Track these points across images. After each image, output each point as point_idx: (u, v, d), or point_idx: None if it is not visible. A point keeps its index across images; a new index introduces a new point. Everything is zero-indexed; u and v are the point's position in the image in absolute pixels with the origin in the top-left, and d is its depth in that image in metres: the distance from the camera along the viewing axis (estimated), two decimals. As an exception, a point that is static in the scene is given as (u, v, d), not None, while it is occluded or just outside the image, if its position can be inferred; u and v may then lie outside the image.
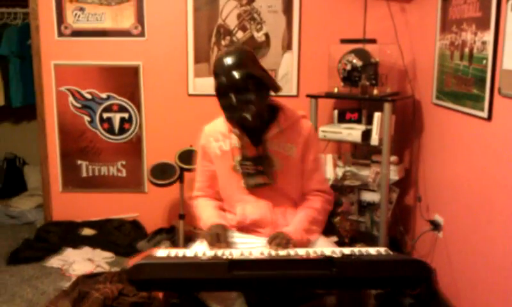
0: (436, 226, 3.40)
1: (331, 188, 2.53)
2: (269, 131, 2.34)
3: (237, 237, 2.36)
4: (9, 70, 5.28)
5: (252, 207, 2.36)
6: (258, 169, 2.32)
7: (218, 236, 2.18)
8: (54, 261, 3.91)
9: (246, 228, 2.38)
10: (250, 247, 2.27)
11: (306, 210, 2.37)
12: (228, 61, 2.21)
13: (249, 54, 2.31)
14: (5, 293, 3.48)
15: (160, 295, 3.12)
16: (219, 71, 2.22)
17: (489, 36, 2.67)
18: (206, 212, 2.42)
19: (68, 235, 4.23)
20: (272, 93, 2.37)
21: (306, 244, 2.22)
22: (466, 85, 2.94)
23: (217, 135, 2.42)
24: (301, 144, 2.37)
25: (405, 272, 1.73)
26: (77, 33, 4.22)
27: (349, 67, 3.61)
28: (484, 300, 2.78)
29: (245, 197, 2.37)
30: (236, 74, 2.18)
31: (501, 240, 2.60)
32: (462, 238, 3.06)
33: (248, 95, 2.21)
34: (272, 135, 2.34)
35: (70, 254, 3.96)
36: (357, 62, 3.58)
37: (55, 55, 4.26)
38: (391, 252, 1.84)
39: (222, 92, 2.24)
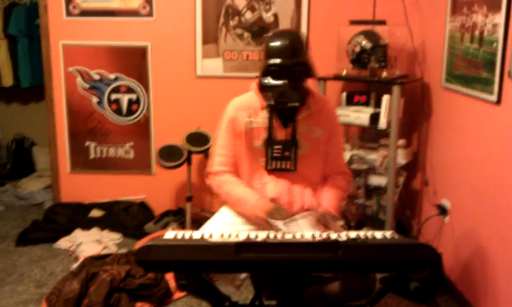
0: (443, 210, 3.39)
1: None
2: (299, 114, 2.34)
3: (238, 223, 2.39)
4: (18, 50, 5.28)
5: (271, 186, 2.36)
6: (285, 154, 2.32)
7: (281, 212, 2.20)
8: (62, 243, 3.94)
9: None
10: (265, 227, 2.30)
11: (336, 189, 2.41)
12: (287, 44, 2.20)
13: (303, 39, 2.31)
14: (14, 273, 3.52)
15: (169, 276, 3.14)
16: (274, 52, 2.21)
17: (500, 18, 2.63)
18: (244, 192, 2.35)
19: (76, 216, 4.26)
20: None
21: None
22: (476, 68, 2.91)
23: (248, 110, 2.38)
24: (328, 127, 2.40)
25: (411, 255, 1.72)
26: (86, 13, 4.21)
27: (358, 49, 3.58)
28: (490, 285, 2.78)
29: (265, 177, 2.38)
30: (293, 60, 2.19)
31: (509, 223, 2.59)
32: (469, 222, 3.05)
33: (298, 82, 2.23)
34: (302, 118, 2.34)
35: (78, 235, 3.99)
36: (366, 44, 3.55)
37: (63, 35, 4.25)
38: (397, 236, 1.84)
39: (272, 74, 2.23)
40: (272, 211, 2.21)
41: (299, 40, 2.27)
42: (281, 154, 2.33)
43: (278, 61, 2.20)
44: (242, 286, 2.39)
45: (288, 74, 2.21)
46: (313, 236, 1.84)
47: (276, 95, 2.23)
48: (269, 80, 2.24)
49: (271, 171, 2.36)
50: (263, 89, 2.30)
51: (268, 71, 2.25)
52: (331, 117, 2.44)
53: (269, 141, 2.33)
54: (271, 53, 2.24)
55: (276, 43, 2.23)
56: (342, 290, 2.14)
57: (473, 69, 2.96)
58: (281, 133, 2.34)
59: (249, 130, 2.37)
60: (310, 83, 2.47)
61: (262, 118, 2.35)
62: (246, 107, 2.39)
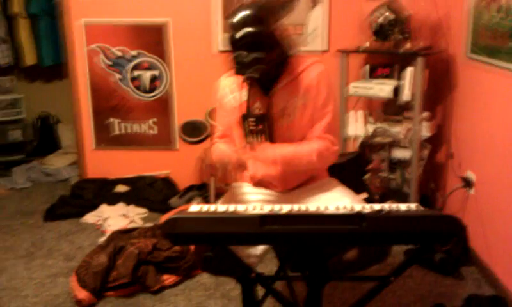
0: (467, 182, 3.36)
1: (339, 145, 2.38)
2: (277, 84, 2.29)
3: (251, 192, 2.42)
4: (40, 29, 5.32)
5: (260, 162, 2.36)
6: (259, 128, 2.31)
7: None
8: (89, 217, 4.01)
9: (259, 181, 2.42)
10: (264, 199, 2.34)
11: (298, 145, 2.30)
12: (242, 15, 2.18)
13: (266, 8, 2.24)
14: (43, 247, 3.60)
15: (192, 248, 3.19)
16: (232, 25, 2.20)
17: (528, -14, 2.57)
18: (222, 151, 2.37)
19: (102, 191, 4.33)
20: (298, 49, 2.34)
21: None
22: (502, 38, 2.86)
23: (233, 87, 2.39)
24: (304, 93, 2.28)
25: (436, 227, 1.72)
26: (107, -10, 4.22)
27: (381, 20, 3.53)
28: (516, 256, 2.77)
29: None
30: (248, 30, 2.16)
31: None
32: (494, 195, 3.02)
33: (257, 53, 2.18)
34: (279, 88, 2.29)
35: (104, 210, 4.06)
36: (389, 15, 3.50)
37: (84, 12, 4.27)
38: (421, 208, 1.84)
39: (233, 46, 2.22)
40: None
41: (258, 10, 2.21)
42: (255, 127, 2.31)
43: (234, 33, 2.19)
44: (261, 262, 2.40)
45: (245, 46, 2.17)
46: (338, 208, 1.85)
47: (236, 66, 2.23)
48: (232, 53, 2.24)
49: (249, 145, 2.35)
50: (232, 64, 2.28)
51: (230, 45, 2.24)
52: (308, 82, 2.29)
53: (246, 115, 2.32)
54: (230, 27, 2.24)
55: (232, 17, 2.22)
56: (359, 256, 2.15)
57: (499, 39, 2.91)
58: (263, 104, 2.31)
59: (235, 106, 2.37)
60: (308, 55, 2.42)
61: (243, 93, 2.35)
62: (231, 83, 2.40)
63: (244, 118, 2.32)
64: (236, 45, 2.20)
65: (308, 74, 2.30)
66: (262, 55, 2.18)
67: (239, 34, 2.17)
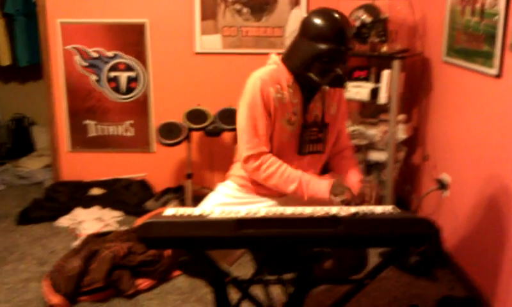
0: (443, 185, 3.39)
1: None
2: (319, 92, 2.29)
3: (241, 197, 2.37)
4: (15, 29, 5.23)
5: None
6: (319, 136, 2.30)
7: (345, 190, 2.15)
8: (64, 221, 3.95)
9: (256, 190, 2.36)
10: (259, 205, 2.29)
11: (356, 168, 2.42)
12: (348, 31, 2.14)
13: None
14: (16, 252, 3.53)
15: (168, 251, 3.16)
16: (333, 38, 2.10)
17: (501, -9, 2.61)
18: (292, 170, 2.22)
19: (76, 194, 4.27)
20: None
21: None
22: (477, 42, 2.89)
23: (276, 85, 2.23)
24: (341, 101, 2.38)
25: (411, 230, 1.73)
26: (83, -10, 4.17)
27: (358, 23, 3.55)
28: (489, 258, 2.80)
29: (289, 157, 2.30)
30: (351, 46, 2.14)
31: (508, 198, 2.59)
32: (469, 197, 3.05)
33: (347, 67, 2.21)
34: (321, 95, 2.30)
35: (79, 213, 4.00)
36: (366, 18, 3.52)
37: (61, 13, 4.21)
38: (397, 211, 1.84)
39: (325, 58, 2.13)
40: (335, 186, 2.15)
41: (348, 22, 2.21)
42: (316, 137, 2.30)
43: (335, 46, 2.11)
44: (238, 262, 2.38)
45: (343, 60, 2.15)
46: (314, 212, 1.84)
47: (322, 78, 2.16)
48: (317, 64, 2.15)
49: (302, 154, 2.31)
50: (309, 75, 2.18)
51: (318, 57, 2.14)
52: (341, 92, 2.40)
53: (304, 123, 2.27)
54: (323, 38, 2.12)
55: (335, 29, 2.11)
56: (335, 266, 2.15)
57: (474, 42, 2.94)
58: (306, 112, 2.28)
59: (279, 106, 2.22)
60: None
61: (288, 94, 2.24)
62: (273, 81, 2.23)
63: (304, 126, 2.27)
64: (334, 58, 2.14)
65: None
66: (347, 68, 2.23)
67: (342, 48, 2.11)
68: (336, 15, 2.15)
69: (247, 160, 2.22)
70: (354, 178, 2.33)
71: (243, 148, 2.23)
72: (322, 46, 2.11)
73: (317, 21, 2.14)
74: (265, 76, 2.22)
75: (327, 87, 2.22)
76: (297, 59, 2.21)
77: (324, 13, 2.16)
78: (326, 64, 2.14)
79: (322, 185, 2.16)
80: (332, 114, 2.34)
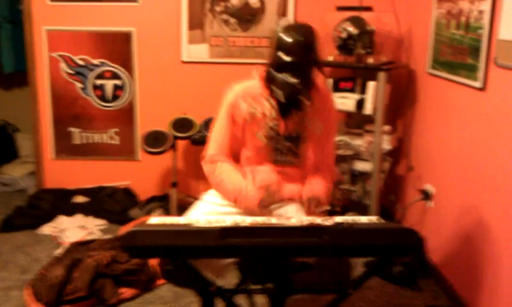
0: (427, 195, 3.41)
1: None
2: (303, 107, 2.29)
3: (224, 204, 2.39)
4: (1, 36, 5.19)
5: (262, 176, 2.35)
6: (291, 148, 2.32)
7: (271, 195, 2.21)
8: (47, 229, 3.91)
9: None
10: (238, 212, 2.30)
11: (325, 181, 2.40)
12: (301, 40, 2.16)
13: (316, 35, 2.25)
14: (-2, 259, 3.49)
15: (153, 262, 3.14)
16: (287, 48, 2.16)
17: (486, 5, 2.64)
18: (235, 182, 2.32)
19: (60, 202, 4.23)
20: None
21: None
22: (462, 54, 2.92)
23: (248, 98, 2.32)
24: (328, 122, 2.38)
25: (395, 240, 1.74)
26: (69, -2, 4.16)
27: (344, 35, 3.57)
28: (472, 269, 2.81)
29: (262, 167, 2.36)
30: (305, 56, 2.15)
31: (492, 209, 2.62)
32: (453, 207, 3.07)
33: (309, 79, 2.21)
34: (305, 111, 2.31)
35: (62, 221, 3.96)
36: (353, 30, 3.55)
37: (47, 20, 4.19)
38: (382, 221, 1.85)
39: (283, 68, 2.18)
40: (264, 198, 2.21)
41: (314, 36, 2.22)
42: (285, 148, 2.32)
43: (293, 58, 2.15)
44: (224, 274, 2.38)
45: (301, 72, 2.17)
46: (299, 221, 1.85)
47: (287, 92, 2.19)
48: (282, 76, 2.18)
49: (276, 164, 2.35)
50: (272, 82, 2.24)
51: (280, 66, 2.19)
52: (331, 111, 2.41)
53: (276, 135, 2.30)
54: (285, 48, 2.17)
55: (292, 39, 2.17)
56: (319, 278, 2.16)
57: (458, 55, 2.97)
58: (282, 126, 2.31)
59: (251, 119, 2.31)
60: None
61: (263, 108, 2.30)
62: (249, 94, 2.32)
63: (276, 136, 2.31)
64: (290, 68, 2.17)
65: (325, 103, 2.37)
66: (311, 81, 2.22)
67: (295, 58, 2.15)
68: (300, 28, 2.20)
69: (204, 164, 2.40)
70: (314, 188, 2.35)
71: (205, 153, 2.41)
72: (284, 57, 2.16)
73: (281, 33, 2.20)
74: (239, 90, 2.34)
75: (308, 102, 2.26)
76: (266, 72, 2.28)
77: (290, 26, 2.24)
78: (286, 76, 2.17)
79: (253, 195, 2.24)
80: (314, 129, 2.35)
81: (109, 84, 4.31)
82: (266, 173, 2.35)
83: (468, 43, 2.84)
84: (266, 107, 2.30)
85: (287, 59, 2.16)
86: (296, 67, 2.16)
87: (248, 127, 2.32)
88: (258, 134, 2.31)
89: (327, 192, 2.38)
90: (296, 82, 2.16)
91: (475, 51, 2.75)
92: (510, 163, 2.45)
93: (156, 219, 1.84)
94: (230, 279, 2.90)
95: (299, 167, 2.38)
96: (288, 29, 2.20)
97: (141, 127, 4.31)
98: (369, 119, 3.67)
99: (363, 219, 1.86)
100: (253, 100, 2.31)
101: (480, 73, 2.69)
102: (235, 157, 2.44)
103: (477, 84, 2.73)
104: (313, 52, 2.19)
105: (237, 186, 2.29)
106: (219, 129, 2.39)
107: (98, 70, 4.28)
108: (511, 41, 2.42)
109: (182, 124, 3.97)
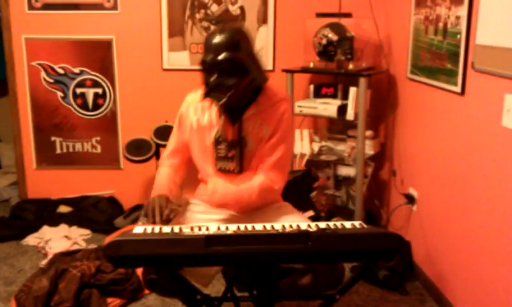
0: (410, 199, 3.45)
1: (282, 183, 2.36)
2: (248, 111, 2.30)
3: (205, 211, 2.40)
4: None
5: (210, 185, 2.36)
6: (228, 155, 2.31)
7: (154, 210, 2.17)
8: (30, 239, 3.88)
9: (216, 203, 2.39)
10: (216, 219, 2.33)
11: (243, 187, 2.32)
12: (218, 39, 2.16)
13: (241, 36, 2.24)
14: (-20, 271, 3.45)
15: (140, 271, 3.12)
16: (207, 48, 2.18)
17: (463, 11, 2.68)
18: (158, 182, 2.40)
19: (43, 212, 4.19)
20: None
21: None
22: (440, 60, 2.96)
23: (198, 107, 2.38)
24: (272, 126, 2.31)
25: (380, 244, 1.75)
26: (48, 6, 4.13)
27: (324, 41, 3.61)
28: (457, 271, 2.85)
29: (216, 175, 2.37)
30: (222, 56, 2.14)
31: (474, 211, 2.65)
32: (436, 210, 3.11)
33: (229, 79, 2.18)
34: (249, 116, 2.30)
35: (46, 231, 3.93)
36: (333, 36, 3.58)
37: (26, 29, 4.16)
38: (366, 226, 1.87)
39: (205, 68, 2.21)
40: (149, 203, 2.24)
41: (233, 36, 2.20)
42: (225, 154, 2.31)
43: (209, 56, 2.17)
44: (211, 283, 2.38)
45: (218, 70, 2.17)
46: (284, 228, 1.85)
47: (206, 89, 2.22)
48: (204, 77, 2.23)
49: (219, 171, 2.35)
50: (203, 86, 2.27)
51: (203, 68, 2.23)
52: (277, 116, 2.31)
53: (217, 140, 2.31)
54: (204, 50, 2.23)
55: (208, 40, 2.20)
56: (313, 281, 2.16)
57: (437, 60, 3.01)
58: (229, 132, 2.31)
59: (196, 128, 2.36)
60: (270, 80, 2.39)
61: (210, 115, 2.34)
62: (196, 102, 2.39)
63: (216, 143, 2.31)
64: (209, 68, 2.18)
65: (275, 110, 2.31)
66: (233, 81, 2.18)
67: (212, 58, 2.15)
68: (220, 29, 2.21)
69: (158, 165, 2.53)
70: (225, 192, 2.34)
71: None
72: (204, 57, 2.21)
73: (206, 37, 2.27)
74: (190, 99, 2.44)
75: (255, 107, 2.28)
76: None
77: (217, 28, 2.28)
78: (206, 76, 2.21)
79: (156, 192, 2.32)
80: (261, 135, 2.31)
81: (89, 93, 4.29)
82: (211, 180, 2.36)
83: (447, 48, 2.88)
84: (212, 115, 2.33)
85: (206, 58, 2.18)
86: (210, 66, 2.18)
87: (198, 135, 2.36)
88: (207, 141, 2.34)
89: (239, 198, 2.30)
90: (211, 81, 2.17)
91: (453, 56, 2.80)
92: (489, 165, 2.49)
93: (140, 228, 1.84)
94: (218, 287, 2.90)
95: (242, 174, 2.35)
96: (213, 31, 2.24)
97: (123, 135, 4.30)
98: (352, 125, 3.71)
99: (347, 224, 1.87)
100: (202, 108, 2.37)
101: (459, 78, 2.74)
102: (188, 164, 2.49)
103: (456, 89, 2.77)
104: (229, 51, 2.16)
105: (156, 184, 2.39)
106: (171, 136, 2.51)
107: (79, 79, 4.26)
108: (488, 46, 2.47)
109: (164, 131, 3.96)
